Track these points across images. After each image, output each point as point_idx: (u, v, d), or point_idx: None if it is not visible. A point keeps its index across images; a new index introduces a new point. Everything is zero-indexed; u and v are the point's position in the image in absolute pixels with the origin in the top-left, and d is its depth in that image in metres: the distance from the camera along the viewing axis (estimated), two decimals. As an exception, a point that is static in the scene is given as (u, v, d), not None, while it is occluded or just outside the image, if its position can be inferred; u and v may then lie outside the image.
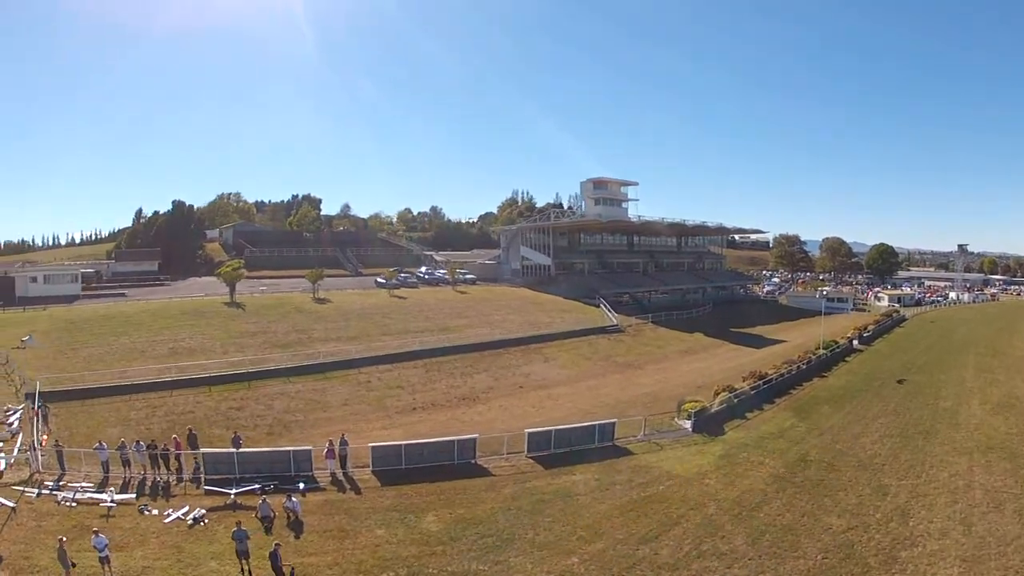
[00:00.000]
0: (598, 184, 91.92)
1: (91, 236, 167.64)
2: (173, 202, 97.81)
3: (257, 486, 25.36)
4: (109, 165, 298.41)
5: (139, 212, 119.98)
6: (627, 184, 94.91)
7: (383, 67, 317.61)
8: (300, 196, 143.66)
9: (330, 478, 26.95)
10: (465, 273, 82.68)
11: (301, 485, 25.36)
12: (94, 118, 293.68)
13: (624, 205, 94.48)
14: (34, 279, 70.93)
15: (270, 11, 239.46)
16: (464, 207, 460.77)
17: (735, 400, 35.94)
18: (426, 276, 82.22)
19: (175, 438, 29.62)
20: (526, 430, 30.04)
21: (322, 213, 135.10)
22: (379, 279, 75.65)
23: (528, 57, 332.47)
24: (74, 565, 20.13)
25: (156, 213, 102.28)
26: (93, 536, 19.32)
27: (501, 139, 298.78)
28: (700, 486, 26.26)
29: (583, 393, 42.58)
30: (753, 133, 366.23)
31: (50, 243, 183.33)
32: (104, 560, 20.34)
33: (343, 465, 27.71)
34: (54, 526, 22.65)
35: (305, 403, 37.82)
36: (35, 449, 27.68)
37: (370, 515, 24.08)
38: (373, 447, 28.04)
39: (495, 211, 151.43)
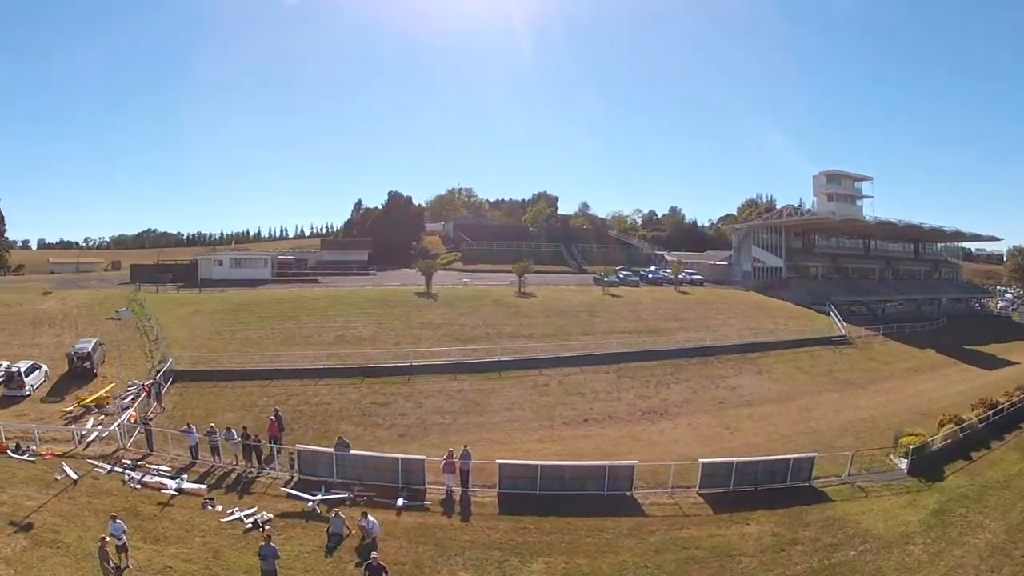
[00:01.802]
0: (831, 177, 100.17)
1: (322, 229, 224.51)
2: (389, 193, 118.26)
3: (347, 495, 26.98)
4: (340, 164, 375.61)
5: (358, 204, 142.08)
6: (861, 179, 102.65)
7: (618, 71, 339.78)
8: (536, 194, 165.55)
9: (443, 496, 27.68)
10: (692, 273, 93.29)
11: (400, 501, 26.54)
12: (338, 115, 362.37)
13: (858, 203, 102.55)
14: (219, 263, 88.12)
15: (532, 13, 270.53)
16: (705, 209, 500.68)
17: (960, 435, 36.53)
18: (649, 275, 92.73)
19: (271, 420, 33.07)
20: (700, 460, 30.27)
21: (559, 211, 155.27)
22: (596, 276, 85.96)
23: (757, 60, 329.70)
24: (121, 569, 21.81)
25: (371, 208, 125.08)
26: (110, 522, 22.02)
27: (735, 141, 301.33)
28: (900, 555, 24.99)
29: (791, 414, 44.02)
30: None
31: (276, 235, 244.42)
32: (121, 548, 21.88)
33: (463, 482, 28.25)
34: (104, 505, 26.01)
35: (462, 404, 40.86)
36: (122, 425, 33.25)
37: (463, 551, 23.81)
38: (501, 464, 28.56)
39: (735, 213, 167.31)
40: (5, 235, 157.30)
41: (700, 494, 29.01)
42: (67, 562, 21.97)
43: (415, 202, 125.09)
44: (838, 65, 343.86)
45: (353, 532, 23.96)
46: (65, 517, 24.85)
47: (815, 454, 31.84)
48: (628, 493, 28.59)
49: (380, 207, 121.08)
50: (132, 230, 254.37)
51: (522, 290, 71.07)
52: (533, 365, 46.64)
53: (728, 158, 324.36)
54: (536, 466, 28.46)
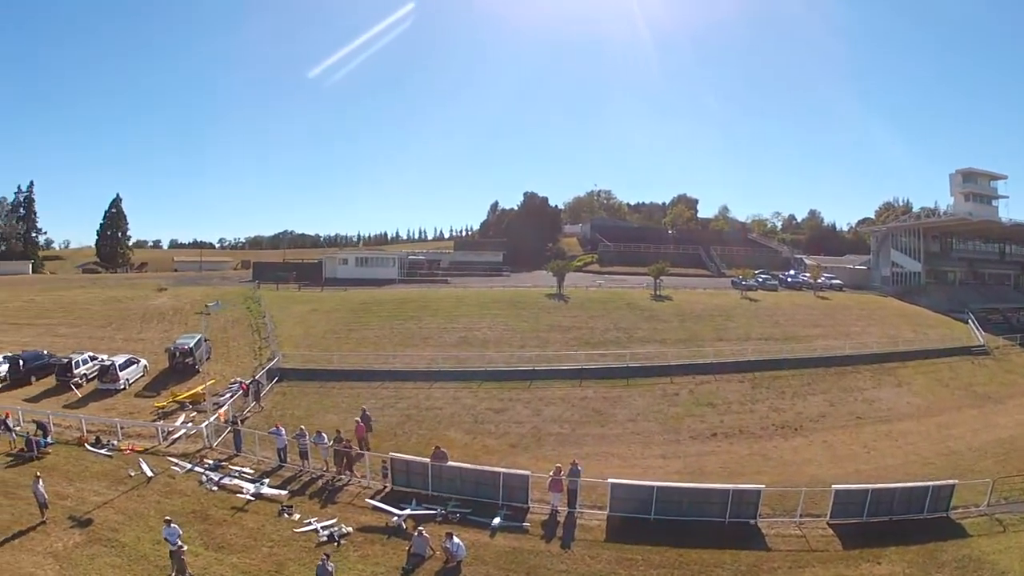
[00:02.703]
0: (967, 176, 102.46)
1: (460, 231, 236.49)
2: (524, 194, 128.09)
3: (438, 511, 27.03)
4: (478, 166, 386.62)
5: (494, 205, 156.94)
6: (996, 177, 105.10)
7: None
8: (676, 197, 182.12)
9: (547, 516, 27.47)
10: (831, 278, 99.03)
11: (496, 520, 26.40)
12: (476, 117, 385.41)
13: (993, 203, 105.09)
14: (344, 261, 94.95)
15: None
16: (843, 213, 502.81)
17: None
18: (788, 279, 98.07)
19: (357, 421, 34.39)
20: (833, 487, 29.86)
21: (698, 215, 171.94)
22: (734, 279, 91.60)
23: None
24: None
25: (507, 209, 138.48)
26: (164, 526, 23.04)
27: (867, 145, 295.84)
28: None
29: (930, 433, 44.28)
30: None
31: (415, 236, 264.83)
32: (176, 553, 22.28)
33: (570, 502, 28.04)
34: (173, 506, 27.27)
35: (583, 413, 41.40)
36: (208, 424, 35.21)
37: (555, 584, 23.02)
38: (613, 485, 28.33)
39: (872, 216, 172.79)
40: (128, 234, 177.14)
41: (830, 524, 28.48)
42: (117, 562, 23.01)
43: (552, 204, 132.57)
44: (956, 62, 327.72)
45: (437, 554, 23.73)
46: (128, 516, 26.35)
47: (955, 481, 30.96)
48: (752, 522, 28.09)
49: (516, 208, 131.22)
50: (269, 232, 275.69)
51: (657, 293, 74.61)
52: (663, 372, 47.82)
53: (861, 162, 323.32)
54: (652, 488, 28.07)
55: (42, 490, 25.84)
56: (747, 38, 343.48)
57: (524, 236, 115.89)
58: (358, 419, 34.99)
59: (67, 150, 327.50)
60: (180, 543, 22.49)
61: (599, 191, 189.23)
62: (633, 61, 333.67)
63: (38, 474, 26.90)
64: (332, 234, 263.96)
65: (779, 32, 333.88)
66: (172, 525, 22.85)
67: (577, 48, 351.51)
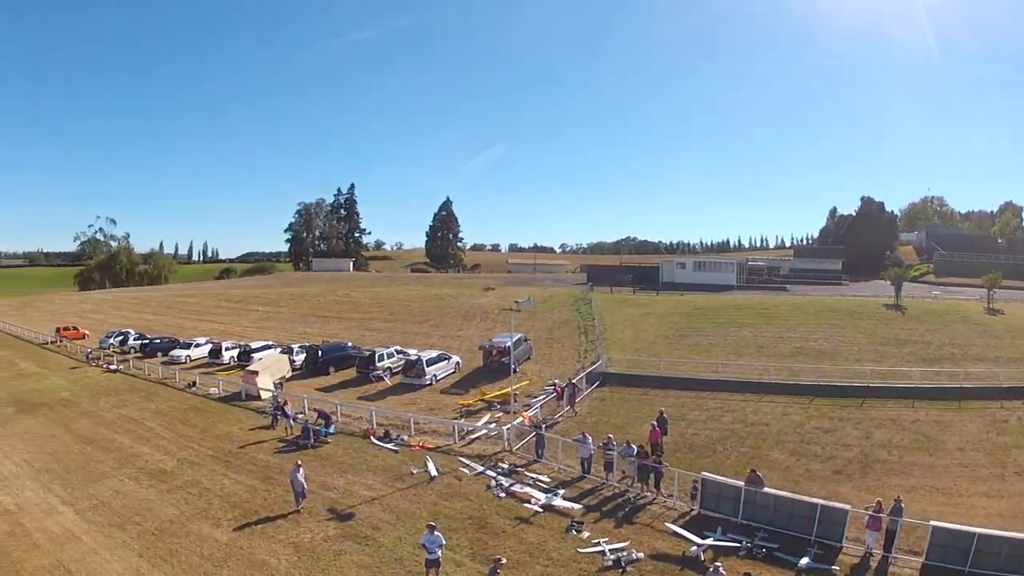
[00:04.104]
0: None
1: (800, 239, 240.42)
2: (861, 199, 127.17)
3: (743, 543, 24.24)
4: (818, 171, 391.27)
5: (832, 211, 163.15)
6: None
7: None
8: (1003, 204, 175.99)
9: (859, 559, 24.19)
10: None
11: (804, 560, 23.27)
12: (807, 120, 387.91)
13: None
14: (682, 266, 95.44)
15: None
16: None
17: None
18: None
19: (652, 425, 32.22)
20: None
21: None
22: None
23: None
24: None
25: (845, 215, 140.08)
26: (426, 532, 20.76)
27: None
28: None
29: None
30: None
31: (756, 244, 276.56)
32: (432, 564, 20.36)
33: (886, 544, 24.81)
34: (450, 510, 25.80)
35: (913, 438, 37.59)
36: (511, 427, 33.60)
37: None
38: (934, 528, 24.65)
39: None
40: (459, 235, 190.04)
41: None
42: (365, 562, 21.84)
43: (887, 209, 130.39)
44: None
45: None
46: (396, 514, 25.34)
47: None
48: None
49: (853, 214, 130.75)
50: (611, 238, 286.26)
51: (990, 306, 67.65)
52: (994, 395, 42.35)
53: None
54: (972, 534, 23.80)
55: (301, 479, 25.45)
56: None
57: (861, 243, 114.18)
58: (653, 422, 32.46)
59: (393, 154, 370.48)
60: (439, 553, 20.27)
61: (932, 197, 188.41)
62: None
63: (299, 463, 26.61)
64: (674, 241, 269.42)
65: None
66: (435, 532, 20.52)
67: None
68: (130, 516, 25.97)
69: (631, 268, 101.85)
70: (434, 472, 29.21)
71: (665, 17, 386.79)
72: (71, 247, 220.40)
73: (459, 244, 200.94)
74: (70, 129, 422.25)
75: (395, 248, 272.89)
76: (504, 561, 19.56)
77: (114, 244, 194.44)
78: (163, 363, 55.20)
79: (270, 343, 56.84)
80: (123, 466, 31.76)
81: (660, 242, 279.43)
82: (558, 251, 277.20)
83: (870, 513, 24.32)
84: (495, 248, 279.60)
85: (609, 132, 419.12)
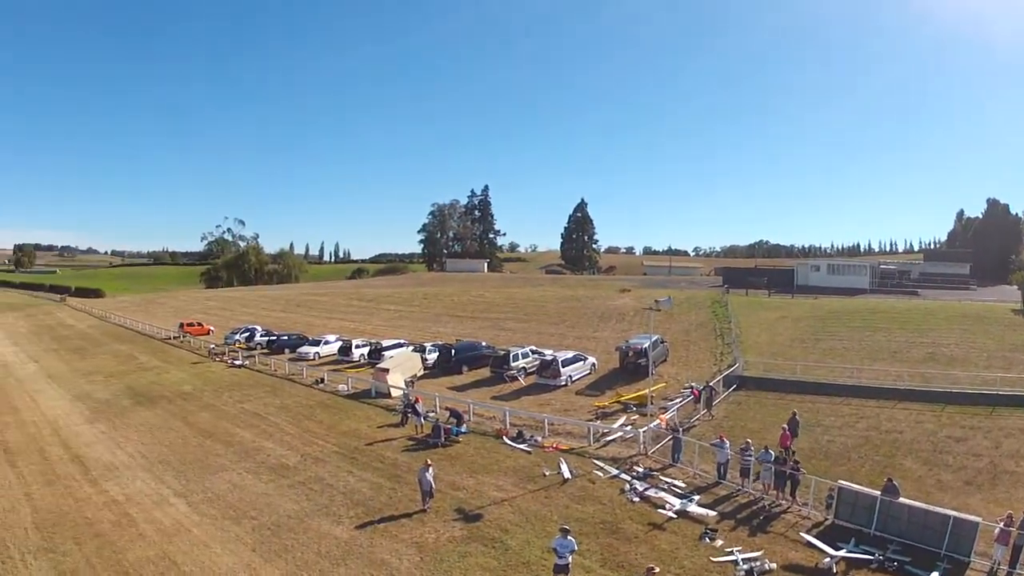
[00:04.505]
0: None
1: (931, 243, 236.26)
2: (987, 201, 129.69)
3: (875, 555, 23.40)
4: (943, 172, 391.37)
5: (960, 214, 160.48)
6: None
7: None
8: None
9: (985, 574, 23.28)
10: None
11: (934, 575, 22.70)
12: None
13: None
14: (816, 269, 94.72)
15: None
16: None
17: None
18: None
19: (783, 428, 31.73)
20: None
21: None
22: None
23: None
24: None
25: (972, 218, 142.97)
26: (559, 536, 20.32)
27: None
28: None
29: None
30: None
31: (886, 248, 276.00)
32: (561, 569, 19.79)
33: (1012, 560, 23.81)
34: (582, 514, 25.08)
35: None
36: (647, 429, 32.77)
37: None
38: None
39: None
40: (595, 238, 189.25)
41: None
42: (491, 565, 21.40)
43: (1012, 211, 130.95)
44: None
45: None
46: (526, 517, 24.77)
47: None
48: None
49: (980, 217, 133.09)
50: (744, 241, 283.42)
51: None
52: None
53: None
54: None
55: (429, 478, 25.20)
56: None
57: (987, 247, 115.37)
58: (784, 426, 31.88)
59: (525, 155, 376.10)
60: (569, 558, 19.68)
61: None
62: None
63: (428, 462, 26.43)
64: (805, 245, 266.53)
65: None
66: (568, 537, 19.95)
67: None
68: (246, 510, 26.08)
69: (765, 271, 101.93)
70: (567, 474, 28.65)
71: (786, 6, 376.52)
72: (197, 247, 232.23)
73: (594, 246, 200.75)
74: (200, 135, 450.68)
75: (529, 250, 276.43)
76: (657, 571, 18.93)
77: (242, 244, 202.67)
78: (290, 360, 56.68)
79: (402, 341, 57.39)
80: (243, 460, 32.16)
81: (792, 246, 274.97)
82: (691, 254, 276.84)
83: (1000, 526, 23.30)
84: (629, 251, 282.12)
85: (746, 130, 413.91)
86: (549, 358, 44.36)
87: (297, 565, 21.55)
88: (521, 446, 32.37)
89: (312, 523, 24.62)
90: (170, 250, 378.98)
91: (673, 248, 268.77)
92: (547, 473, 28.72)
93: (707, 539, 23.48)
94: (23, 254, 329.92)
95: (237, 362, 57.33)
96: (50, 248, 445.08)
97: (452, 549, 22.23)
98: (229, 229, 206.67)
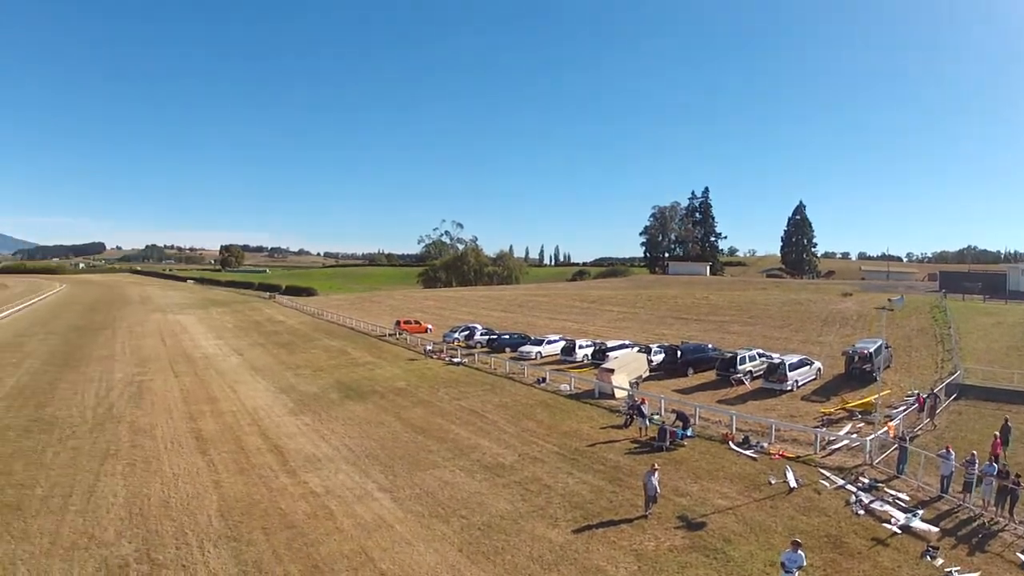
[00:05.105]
0: None
1: None
2: None
3: None
4: None
5: None
6: None
7: None
8: None
9: None
10: None
11: None
12: None
13: None
14: None
15: None
16: None
17: None
18: None
19: (995, 435, 31.00)
20: None
21: None
22: None
23: None
24: None
25: None
26: (789, 549, 20.20)
27: None
28: None
29: None
30: None
31: None
32: None
33: None
34: (807, 526, 24.87)
35: None
36: (873, 438, 32.41)
37: None
38: None
39: None
40: (814, 241, 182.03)
41: None
42: None
43: None
44: None
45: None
46: (750, 527, 24.57)
47: None
48: None
49: None
50: (953, 247, 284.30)
51: None
52: None
53: None
54: None
55: (655, 483, 25.29)
56: None
57: None
58: (996, 433, 31.20)
59: (744, 157, 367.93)
60: (796, 574, 19.90)
61: None
62: None
63: (655, 465, 26.41)
64: (1011, 250, 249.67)
65: None
66: (799, 551, 19.91)
67: None
68: (456, 508, 26.00)
69: (979, 276, 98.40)
70: (793, 483, 28.54)
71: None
72: (413, 249, 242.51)
73: (813, 249, 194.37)
74: (421, 144, 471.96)
75: (748, 254, 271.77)
76: None
77: (460, 246, 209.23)
78: (511, 359, 58.11)
79: (626, 342, 58.24)
80: (456, 457, 32.36)
81: (999, 251, 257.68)
82: (904, 259, 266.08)
83: None
84: (845, 256, 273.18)
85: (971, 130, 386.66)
86: (776, 362, 44.49)
87: (506, 568, 21.37)
88: (747, 452, 32.64)
89: (526, 525, 24.52)
90: (385, 252, 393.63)
91: (887, 253, 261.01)
92: (773, 481, 28.82)
93: (928, 557, 22.97)
94: (230, 253, 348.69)
95: (455, 360, 59.32)
96: (259, 249, 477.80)
97: (672, 559, 21.92)
98: (447, 232, 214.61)
